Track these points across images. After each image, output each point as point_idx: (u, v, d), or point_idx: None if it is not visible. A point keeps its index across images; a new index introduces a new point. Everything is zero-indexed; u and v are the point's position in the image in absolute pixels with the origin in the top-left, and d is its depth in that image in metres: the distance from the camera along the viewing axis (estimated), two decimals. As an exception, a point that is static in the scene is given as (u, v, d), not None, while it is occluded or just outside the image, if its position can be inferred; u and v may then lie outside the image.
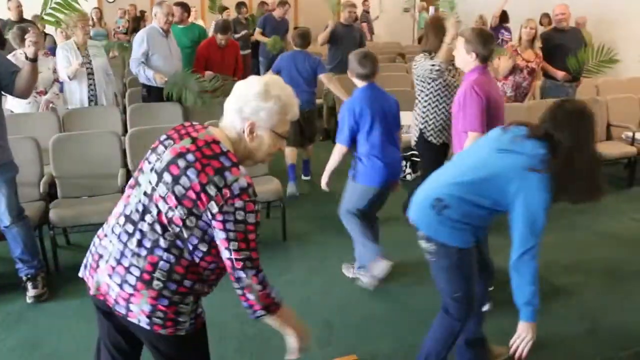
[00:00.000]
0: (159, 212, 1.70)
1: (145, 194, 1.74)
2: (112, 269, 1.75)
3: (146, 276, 1.71)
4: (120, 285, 1.73)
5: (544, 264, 3.85)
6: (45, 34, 8.77)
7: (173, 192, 1.68)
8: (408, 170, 5.93)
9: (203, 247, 1.74)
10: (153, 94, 5.33)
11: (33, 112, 4.92)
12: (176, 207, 1.67)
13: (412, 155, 5.99)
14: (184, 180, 1.67)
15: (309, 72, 5.32)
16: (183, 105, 5.29)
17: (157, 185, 1.71)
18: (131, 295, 1.72)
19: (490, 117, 3.09)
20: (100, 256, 1.79)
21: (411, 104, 6.22)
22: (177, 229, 1.70)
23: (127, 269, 1.72)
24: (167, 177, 1.69)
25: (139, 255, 1.72)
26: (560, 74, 5.89)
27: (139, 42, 5.21)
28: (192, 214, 1.67)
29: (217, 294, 3.56)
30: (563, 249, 4.24)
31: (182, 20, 6.25)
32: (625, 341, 3.12)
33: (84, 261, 1.89)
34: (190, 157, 1.69)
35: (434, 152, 4.14)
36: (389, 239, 4.40)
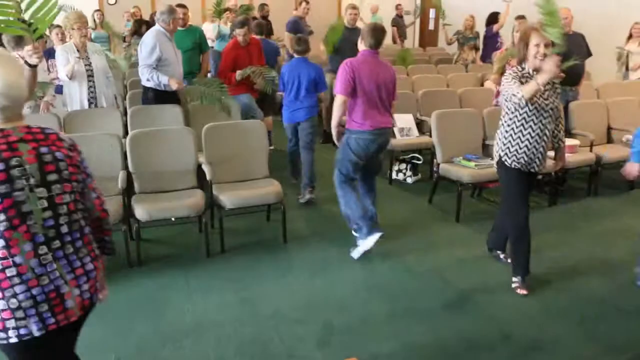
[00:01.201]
0: (67, 203, 1.85)
1: (44, 210, 1.78)
2: (75, 281, 1.85)
3: (93, 254, 1.95)
4: (87, 279, 1.89)
5: (543, 267, 3.87)
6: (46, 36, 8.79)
7: (65, 180, 1.85)
8: (408, 173, 5.94)
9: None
10: (161, 98, 5.32)
11: (33, 115, 4.93)
12: (73, 187, 1.88)
13: (413, 157, 6.01)
14: (61, 165, 1.84)
15: (271, 56, 6.79)
16: (184, 108, 5.30)
17: (50, 191, 1.80)
18: (96, 276, 1.94)
19: (361, 89, 3.98)
20: (56, 288, 1.79)
21: (411, 107, 6.28)
22: (81, 203, 1.93)
23: (83, 266, 1.88)
24: (52, 177, 1.82)
25: (79, 249, 1.88)
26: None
27: (151, 49, 5.13)
28: (78, 182, 1.91)
29: (215, 297, 3.60)
30: (563, 250, 4.24)
31: (185, 23, 6.26)
32: (624, 344, 3.12)
33: (34, 320, 1.75)
34: (43, 149, 1.82)
35: (515, 180, 3.64)
36: (393, 245, 4.41)
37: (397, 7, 12.68)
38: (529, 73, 3.46)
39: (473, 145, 5.15)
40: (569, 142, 5.47)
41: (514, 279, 3.68)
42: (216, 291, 3.68)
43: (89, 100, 5.10)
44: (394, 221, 4.83)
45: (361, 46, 4.12)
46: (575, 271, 3.94)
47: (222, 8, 8.57)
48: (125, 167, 4.23)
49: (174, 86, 5.11)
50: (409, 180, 5.93)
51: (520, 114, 3.51)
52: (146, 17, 10.76)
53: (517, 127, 3.55)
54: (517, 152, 3.58)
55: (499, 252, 4.09)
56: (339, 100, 4.01)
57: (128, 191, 4.18)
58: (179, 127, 4.72)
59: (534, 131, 3.52)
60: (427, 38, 14.12)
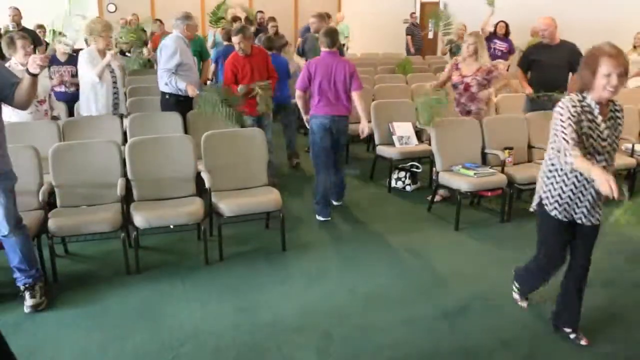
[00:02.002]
0: None
1: None
2: None
3: None
4: None
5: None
6: (47, 43, 8.82)
7: None
8: (407, 181, 5.93)
9: None
10: (180, 104, 5.36)
11: (33, 121, 4.92)
12: None
13: (412, 166, 6.00)
14: None
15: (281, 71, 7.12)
16: (183, 115, 5.30)
17: None
18: None
19: (316, 84, 4.86)
20: None
21: (410, 115, 6.28)
22: None
23: None
24: None
25: None
26: (527, 90, 5.85)
27: (172, 53, 5.22)
28: None
29: (213, 305, 3.58)
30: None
31: None
32: (625, 354, 3.11)
33: None
34: None
35: (553, 231, 3.10)
36: (392, 253, 4.41)
37: (412, 15, 12.64)
38: (590, 106, 2.84)
39: (472, 154, 5.15)
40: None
41: (515, 294, 3.61)
42: (215, 299, 3.67)
43: (113, 105, 5.24)
44: (393, 229, 4.82)
45: (321, 47, 4.94)
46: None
47: (220, 16, 8.53)
48: (124, 175, 4.22)
49: (190, 92, 5.15)
50: (408, 188, 5.92)
51: None
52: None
53: (561, 169, 2.97)
54: (560, 199, 3.00)
55: (568, 330, 3.24)
56: (296, 93, 5.05)
57: (127, 198, 4.17)
58: (178, 135, 4.72)
59: (581, 175, 2.90)
60: (427, 47, 14.16)
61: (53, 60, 5.63)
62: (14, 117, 4.78)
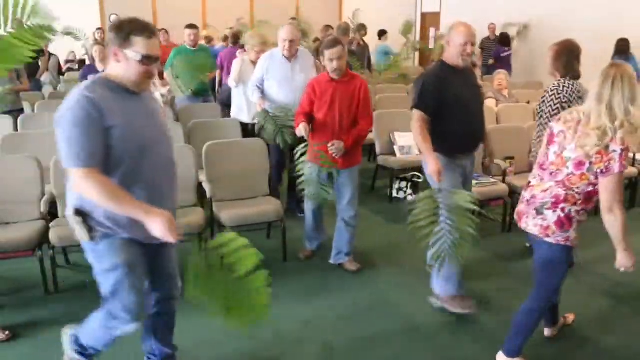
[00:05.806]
0: None
1: None
2: None
3: None
4: None
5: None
6: (50, 54, 8.88)
7: None
8: (409, 191, 5.93)
9: None
10: None
11: (34, 132, 4.94)
12: None
13: (413, 176, 6.00)
14: None
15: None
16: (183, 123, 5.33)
17: None
18: None
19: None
20: None
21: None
22: None
23: None
24: None
25: None
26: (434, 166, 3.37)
27: (258, 68, 5.07)
28: None
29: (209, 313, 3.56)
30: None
31: (195, 43, 6.31)
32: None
33: None
34: None
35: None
36: (394, 263, 4.40)
37: (490, 26, 11.76)
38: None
39: (473, 164, 5.15)
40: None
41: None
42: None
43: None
44: (394, 240, 4.82)
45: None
46: (578, 290, 3.93)
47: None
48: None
49: (257, 107, 4.96)
50: (410, 198, 5.92)
51: None
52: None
53: None
54: None
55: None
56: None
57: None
58: (179, 145, 4.70)
59: None
60: (428, 56, 14.21)
61: (91, 70, 5.88)
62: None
